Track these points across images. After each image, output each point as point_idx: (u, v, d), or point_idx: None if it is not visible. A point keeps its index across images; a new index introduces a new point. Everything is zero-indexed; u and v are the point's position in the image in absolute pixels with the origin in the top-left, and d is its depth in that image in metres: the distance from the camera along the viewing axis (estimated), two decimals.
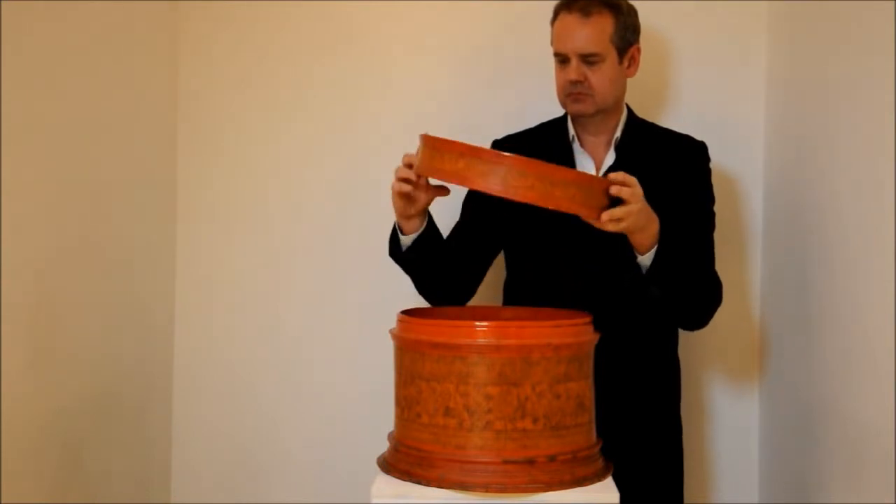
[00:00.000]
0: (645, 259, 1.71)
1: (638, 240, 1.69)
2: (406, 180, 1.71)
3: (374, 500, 1.52)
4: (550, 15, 1.93)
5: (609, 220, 1.58)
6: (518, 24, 2.31)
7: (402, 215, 1.79)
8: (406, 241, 1.84)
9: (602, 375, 1.68)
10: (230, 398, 2.43)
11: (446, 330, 1.55)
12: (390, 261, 1.87)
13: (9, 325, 1.77)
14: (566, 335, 1.56)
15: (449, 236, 1.97)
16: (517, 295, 2.00)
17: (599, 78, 1.86)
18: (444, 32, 2.37)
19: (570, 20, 1.86)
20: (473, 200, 1.99)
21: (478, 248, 1.98)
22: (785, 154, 2.16)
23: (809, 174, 1.98)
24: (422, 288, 1.96)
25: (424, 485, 1.52)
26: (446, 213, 1.99)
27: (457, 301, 1.98)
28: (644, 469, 1.88)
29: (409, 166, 1.70)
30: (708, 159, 1.97)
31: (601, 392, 1.67)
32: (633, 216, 1.61)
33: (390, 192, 1.75)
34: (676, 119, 2.25)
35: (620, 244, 1.73)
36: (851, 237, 1.75)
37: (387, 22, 2.38)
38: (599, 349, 1.66)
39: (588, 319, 1.62)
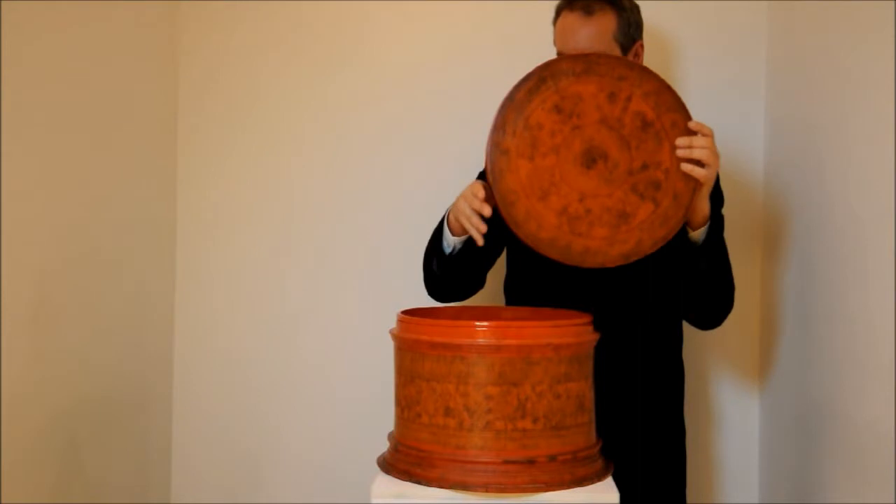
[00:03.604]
0: (697, 234, 1.72)
1: (702, 206, 1.69)
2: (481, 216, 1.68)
3: (374, 500, 1.52)
4: (553, 16, 1.91)
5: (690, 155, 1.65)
6: (521, 23, 2.31)
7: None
8: (456, 241, 1.80)
9: (606, 376, 1.67)
10: (230, 398, 2.43)
11: (446, 330, 1.55)
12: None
13: (9, 325, 1.77)
14: (566, 335, 1.55)
15: None
16: (518, 293, 1.99)
17: None
18: (448, 33, 2.37)
19: (573, 19, 1.82)
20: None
21: (487, 247, 1.97)
22: (785, 153, 2.15)
23: (809, 174, 1.98)
24: (442, 287, 1.91)
25: (424, 485, 1.52)
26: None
27: (459, 299, 1.96)
28: (647, 470, 1.88)
29: (486, 200, 1.67)
30: None
31: (604, 393, 1.67)
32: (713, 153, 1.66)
33: (457, 211, 1.72)
34: None
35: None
36: (851, 237, 1.75)
37: (389, 22, 2.38)
38: (603, 349, 1.65)
39: (588, 319, 1.62)
